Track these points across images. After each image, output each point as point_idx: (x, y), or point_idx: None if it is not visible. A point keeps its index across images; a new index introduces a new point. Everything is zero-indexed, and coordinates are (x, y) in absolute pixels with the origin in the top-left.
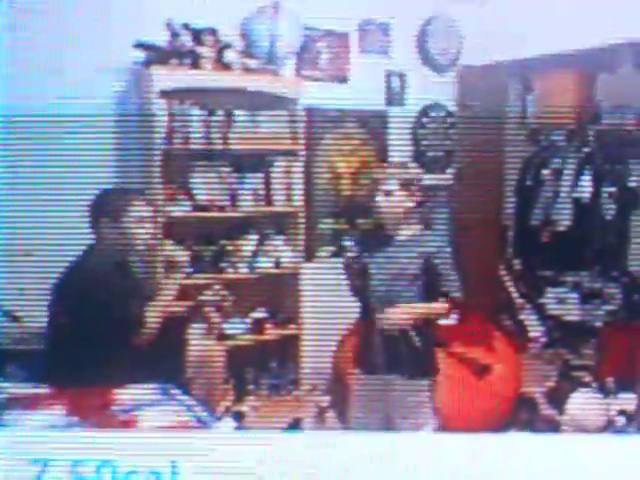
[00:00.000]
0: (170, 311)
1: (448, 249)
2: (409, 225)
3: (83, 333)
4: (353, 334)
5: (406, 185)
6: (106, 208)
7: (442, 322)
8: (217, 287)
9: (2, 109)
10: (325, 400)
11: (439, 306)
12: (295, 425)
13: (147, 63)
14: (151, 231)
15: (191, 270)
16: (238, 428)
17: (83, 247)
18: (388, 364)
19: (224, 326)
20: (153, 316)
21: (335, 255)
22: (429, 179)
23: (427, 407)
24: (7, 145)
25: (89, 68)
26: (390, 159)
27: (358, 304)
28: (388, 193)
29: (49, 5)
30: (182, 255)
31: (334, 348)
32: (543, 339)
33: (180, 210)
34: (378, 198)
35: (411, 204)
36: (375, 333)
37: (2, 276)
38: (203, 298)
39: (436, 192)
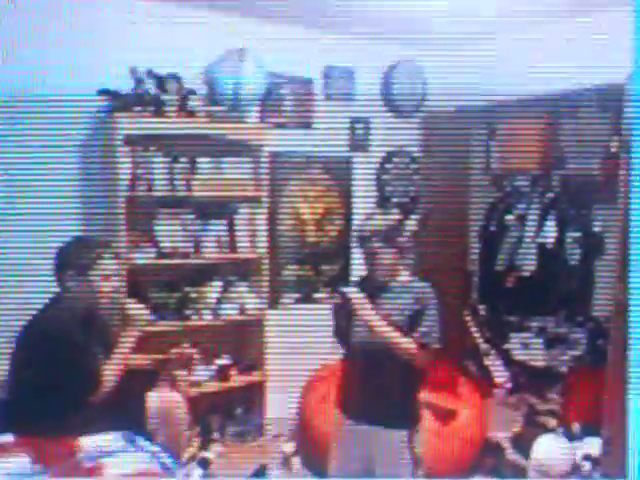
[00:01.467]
0: (130, 364)
1: (434, 298)
2: (398, 274)
3: (45, 384)
4: (327, 378)
5: (387, 239)
6: (73, 260)
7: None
8: (184, 345)
9: None
10: (290, 446)
11: (410, 345)
12: (261, 472)
13: (111, 110)
14: (116, 285)
15: (154, 318)
16: (204, 475)
17: (48, 298)
18: (368, 411)
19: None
20: (110, 370)
21: (300, 301)
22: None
23: (406, 456)
24: None
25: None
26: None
27: (341, 347)
28: (373, 254)
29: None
30: (140, 310)
31: (299, 394)
32: (508, 384)
33: (144, 257)
34: (362, 258)
35: (397, 256)
36: (357, 377)
37: None
38: (170, 357)
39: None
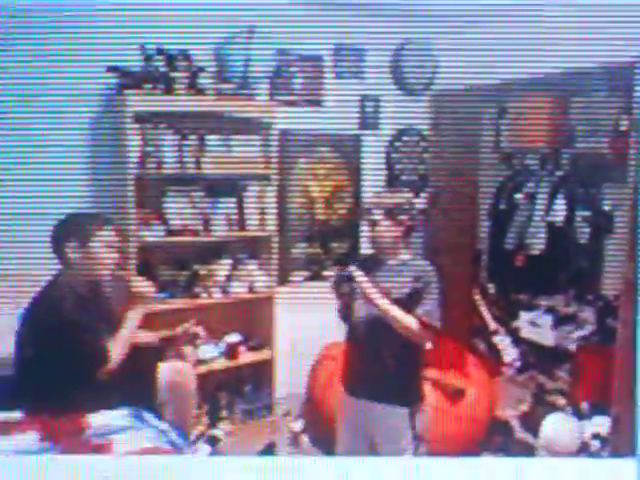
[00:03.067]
0: (136, 342)
1: (435, 277)
2: (399, 252)
3: (51, 361)
4: (335, 356)
5: (391, 214)
6: (73, 231)
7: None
8: (191, 321)
9: None
10: (299, 424)
11: (413, 322)
12: (270, 449)
13: (120, 87)
14: (117, 260)
15: (164, 296)
16: (212, 453)
17: (51, 275)
18: (371, 388)
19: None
20: (117, 347)
21: (309, 279)
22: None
23: (408, 433)
24: None
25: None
26: (371, 186)
27: (343, 326)
28: (373, 223)
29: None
30: (147, 286)
31: (309, 372)
32: (517, 363)
33: (153, 235)
34: (364, 228)
35: (398, 233)
36: (359, 354)
37: None
38: (176, 333)
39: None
